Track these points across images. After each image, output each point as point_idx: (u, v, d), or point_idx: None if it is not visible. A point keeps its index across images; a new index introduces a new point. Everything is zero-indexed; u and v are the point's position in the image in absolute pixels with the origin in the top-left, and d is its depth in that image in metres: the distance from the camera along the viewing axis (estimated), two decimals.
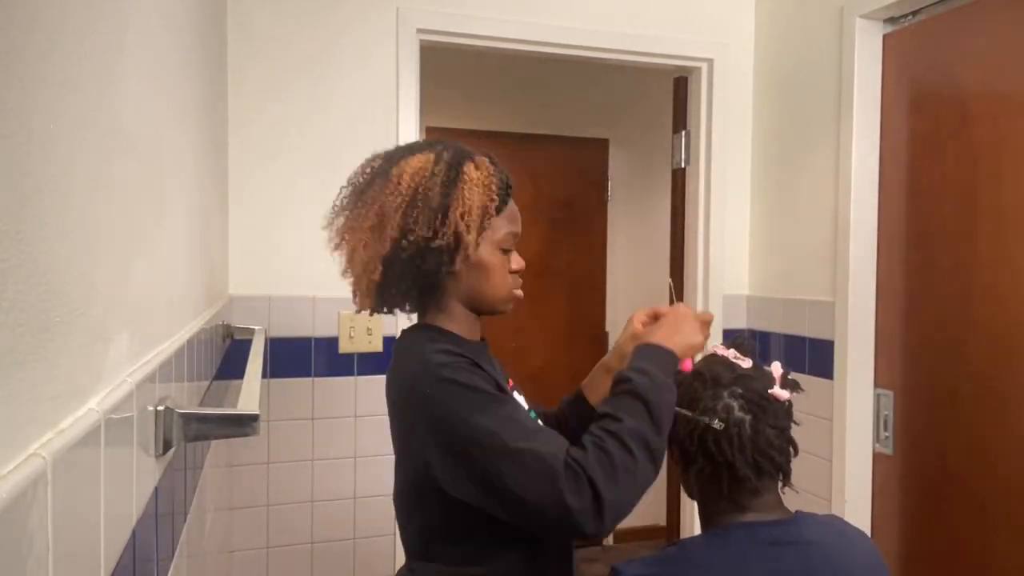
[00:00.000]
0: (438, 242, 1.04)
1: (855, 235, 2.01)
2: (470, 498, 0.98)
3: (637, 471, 0.93)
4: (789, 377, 1.14)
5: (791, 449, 1.11)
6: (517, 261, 1.14)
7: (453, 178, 1.06)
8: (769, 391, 1.09)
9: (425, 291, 1.11)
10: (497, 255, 1.11)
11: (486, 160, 1.12)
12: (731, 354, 1.14)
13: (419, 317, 1.17)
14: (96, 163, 0.58)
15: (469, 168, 1.08)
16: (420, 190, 1.05)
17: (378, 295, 1.11)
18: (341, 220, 1.13)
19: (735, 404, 1.07)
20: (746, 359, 1.13)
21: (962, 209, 1.77)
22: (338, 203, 1.15)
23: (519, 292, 1.16)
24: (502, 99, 3.77)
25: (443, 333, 1.11)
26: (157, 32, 0.87)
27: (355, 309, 1.17)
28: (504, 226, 1.10)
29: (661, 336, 1.09)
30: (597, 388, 1.29)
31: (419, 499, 1.08)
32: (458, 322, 1.13)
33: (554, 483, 0.90)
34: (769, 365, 1.15)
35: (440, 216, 1.04)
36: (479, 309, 1.14)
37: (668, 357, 1.06)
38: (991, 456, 1.69)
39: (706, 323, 1.17)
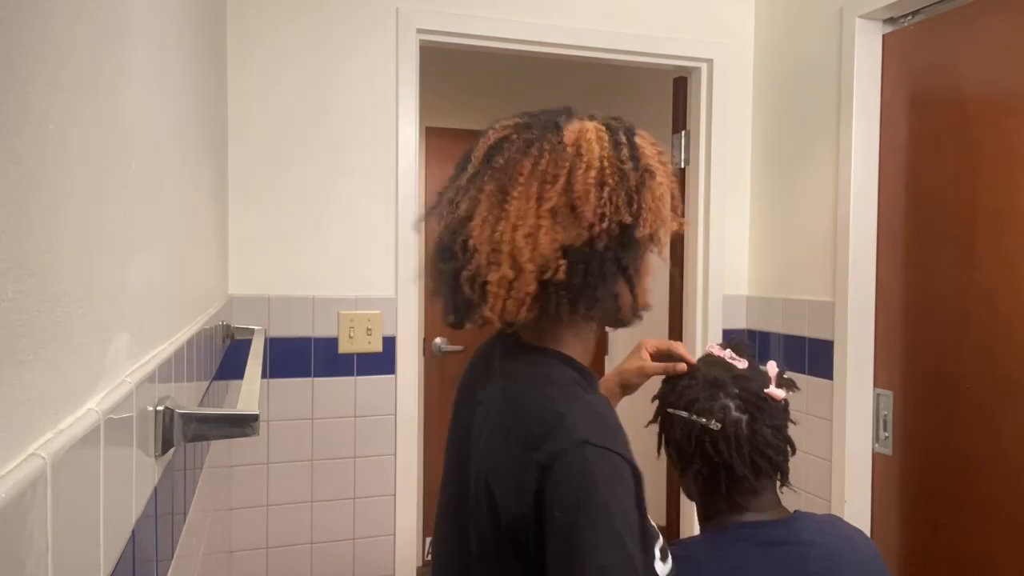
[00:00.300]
0: (640, 231, 0.84)
1: (855, 235, 2.01)
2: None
3: None
4: (785, 376, 1.14)
5: (789, 448, 1.12)
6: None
7: (636, 152, 0.87)
8: (765, 391, 1.09)
9: (601, 297, 0.86)
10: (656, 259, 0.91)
11: (648, 133, 0.93)
12: (727, 354, 1.14)
13: (532, 335, 0.91)
14: (95, 163, 0.58)
15: (643, 142, 0.90)
16: (607, 163, 0.84)
17: (543, 300, 0.84)
18: (482, 202, 0.85)
19: (732, 404, 1.08)
20: (742, 360, 1.13)
21: (962, 209, 1.77)
22: (461, 181, 0.89)
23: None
24: (502, 99, 3.76)
25: (579, 370, 0.91)
26: (157, 32, 0.87)
27: (481, 323, 0.87)
28: (679, 218, 0.92)
29: None
30: None
31: (498, 552, 0.84)
32: (584, 344, 0.93)
33: None
34: (765, 365, 1.15)
35: (637, 198, 0.84)
36: (616, 322, 0.93)
37: None
38: (991, 456, 1.69)
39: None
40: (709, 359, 1.15)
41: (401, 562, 2.19)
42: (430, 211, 0.94)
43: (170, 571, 0.89)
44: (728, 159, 2.45)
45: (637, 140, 0.89)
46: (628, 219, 0.83)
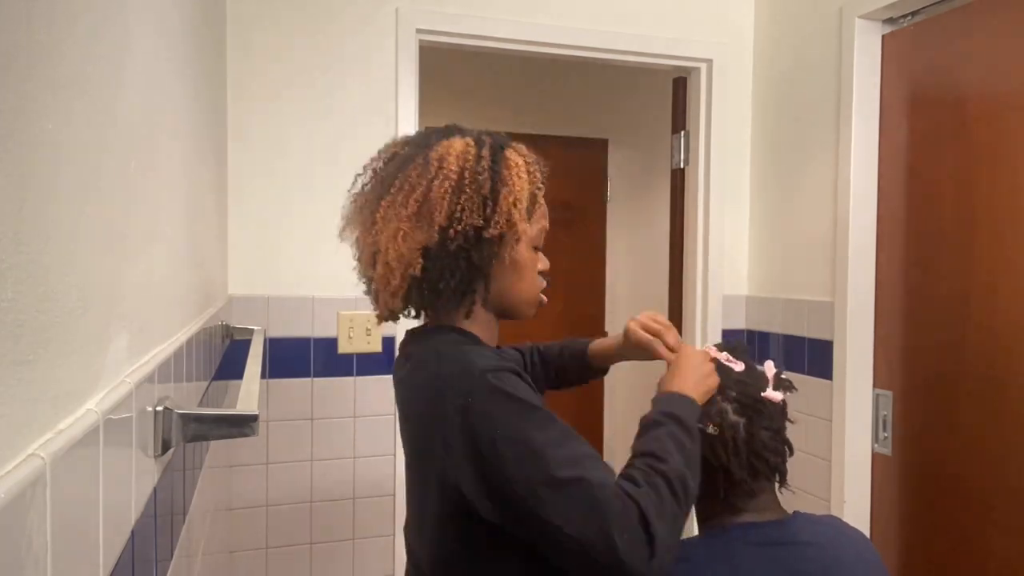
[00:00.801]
0: (490, 231, 0.95)
1: (854, 235, 2.01)
2: (505, 525, 0.87)
3: (679, 514, 0.87)
4: (782, 377, 1.14)
5: (786, 450, 1.12)
6: (544, 261, 1.06)
7: (499, 163, 0.98)
8: (763, 394, 1.09)
9: (456, 290, 0.99)
10: (530, 252, 1.03)
11: (523, 147, 1.05)
12: (724, 357, 1.13)
13: (434, 320, 1.05)
14: (95, 163, 0.58)
15: (512, 154, 1.01)
16: (467, 174, 0.96)
17: (409, 294, 0.99)
18: (364, 211, 1.01)
19: (729, 408, 1.08)
20: (739, 362, 1.12)
21: (961, 209, 1.77)
22: (358, 192, 1.04)
23: (544, 296, 1.08)
24: (501, 99, 3.77)
25: (471, 338, 1.01)
26: (156, 32, 0.87)
27: (374, 313, 1.04)
28: (539, 221, 1.03)
29: (679, 384, 1.04)
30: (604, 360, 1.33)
31: (441, 526, 0.94)
32: (480, 326, 1.03)
33: (603, 519, 0.80)
34: (762, 365, 1.15)
35: (491, 203, 0.95)
36: (505, 312, 1.05)
37: (693, 406, 1.01)
38: (990, 456, 1.69)
39: (714, 360, 1.14)
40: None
41: (401, 562, 2.19)
42: (346, 220, 1.09)
43: (169, 571, 0.89)
44: (728, 159, 2.45)
45: (506, 153, 1.00)
46: (479, 222, 0.95)
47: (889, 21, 1.99)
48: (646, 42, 2.36)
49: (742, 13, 2.47)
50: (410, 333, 1.09)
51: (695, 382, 1.05)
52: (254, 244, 2.06)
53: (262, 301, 2.06)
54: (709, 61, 2.43)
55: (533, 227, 1.02)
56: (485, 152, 0.98)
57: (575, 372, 1.38)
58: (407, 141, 1.05)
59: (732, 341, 1.22)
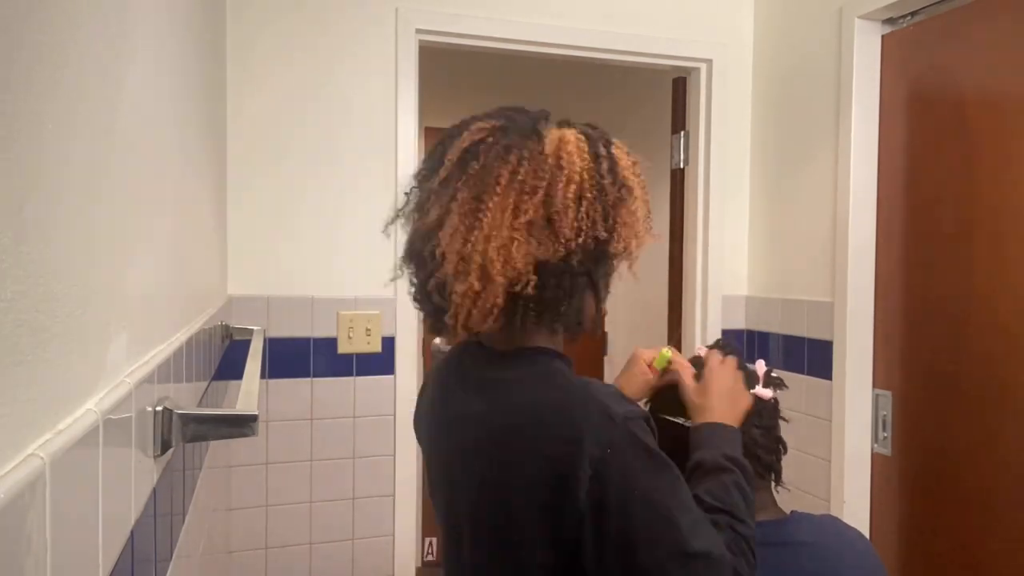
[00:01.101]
0: (614, 245, 0.85)
1: (854, 235, 2.01)
2: None
3: None
4: (773, 374, 1.13)
5: (780, 448, 1.11)
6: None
7: (615, 166, 0.86)
8: (752, 391, 1.08)
9: (569, 310, 0.86)
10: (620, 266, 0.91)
11: (621, 142, 0.91)
12: None
13: (511, 339, 0.89)
14: (94, 163, 0.58)
15: (620, 152, 0.88)
16: (588, 176, 0.82)
17: (511, 312, 0.83)
18: (453, 207, 0.83)
19: None
20: None
21: (961, 209, 1.77)
22: (438, 181, 0.85)
23: None
24: (501, 100, 3.75)
25: (569, 364, 0.88)
26: (156, 33, 0.87)
27: (425, 322, 0.90)
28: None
29: (720, 411, 1.00)
30: None
31: None
32: (557, 347, 0.92)
33: None
34: (754, 363, 1.14)
35: (613, 213, 0.84)
36: (577, 332, 0.92)
37: (738, 437, 0.98)
38: (989, 456, 1.69)
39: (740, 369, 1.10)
40: (696, 362, 1.14)
41: (400, 563, 2.19)
42: (399, 213, 0.94)
43: (169, 571, 0.89)
44: (727, 159, 2.45)
45: (615, 152, 0.87)
46: (604, 235, 0.83)
47: (889, 21, 1.99)
48: (646, 42, 2.36)
49: (742, 13, 2.47)
50: (472, 355, 0.94)
51: (732, 404, 1.02)
52: (253, 244, 2.06)
53: (262, 301, 2.06)
54: (709, 61, 2.43)
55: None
56: (601, 150, 0.85)
57: None
58: (495, 125, 0.86)
59: (721, 340, 1.20)
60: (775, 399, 1.12)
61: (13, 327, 0.40)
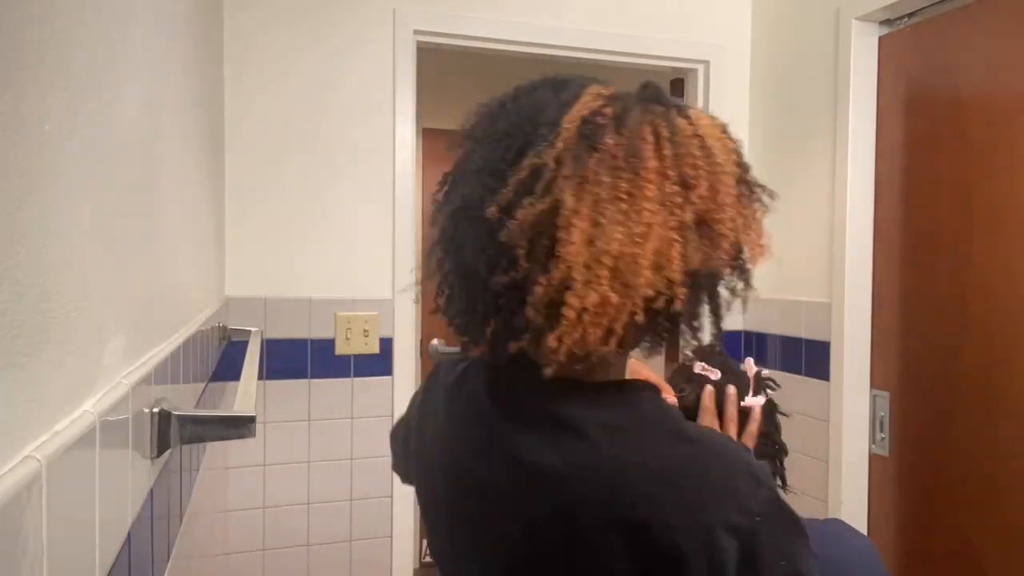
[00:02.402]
0: (743, 256, 0.70)
1: (851, 237, 2.01)
2: None
3: None
4: (763, 376, 1.10)
5: (780, 452, 1.09)
6: None
7: (743, 159, 0.71)
8: (742, 403, 1.06)
9: (677, 332, 0.72)
10: None
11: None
12: (699, 367, 1.10)
13: (588, 367, 0.64)
14: (92, 164, 0.58)
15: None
16: (742, 170, 0.69)
17: (637, 331, 0.66)
18: (581, 202, 0.61)
19: None
20: (714, 371, 1.08)
21: (958, 211, 1.78)
22: (569, 163, 0.62)
23: None
24: None
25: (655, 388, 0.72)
26: (155, 33, 0.87)
27: (476, 349, 0.70)
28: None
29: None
30: None
31: None
32: (622, 370, 0.75)
33: None
34: (743, 362, 1.11)
35: (750, 215, 0.70)
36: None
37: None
38: (987, 457, 1.70)
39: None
40: (687, 377, 1.12)
41: (398, 564, 2.19)
42: (441, 198, 0.72)
43: (166, 573, 0.89)
44: None
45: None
46: (745, 239, 0.69)
47: (886, 23, 2.00)
48: (644, 43, 2.36)
49: (739, 15, 2.48)
50: (513, 377, 0.70)
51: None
52: (251, 245, 2.06)
53: (259, 302, 2.06)
54: (706, 62, 2.43)
55: None
56: (731, 140, 0.70)
57: None
58: (611, 93, 0.70)
59: (703, 347, 1.15)
60: (769, 401, 1.10)
61: (10, 328, 0.40)
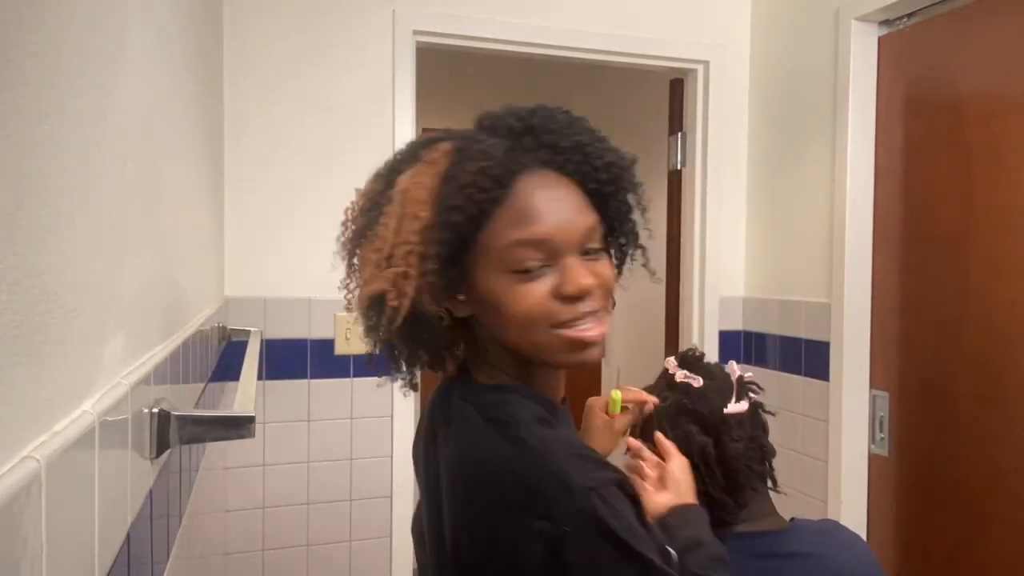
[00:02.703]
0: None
1: (851, 236, 2.01)
2: None
3: None
4: (746, 380, 1.09)
5: (768, 453, 1.09)
6: (569, 283, 0.73)
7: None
8: (725, 411, 1.05)
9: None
10: (504, 281, 0.74)
11: (446, 147, 0.81)
12: (681, 375, 1.10)
13: (485, 374, 0.83)
14: (91, 164, 0.58)
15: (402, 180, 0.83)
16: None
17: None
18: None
19: (694, 430, 1.04)
20: (697, 377, 1.08)
21: (957, 211, 1.78)
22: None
23: (584, 330, 0.75)
24: (498, 100, 3.76)
25: (546, 406, 0.78)
26: (154, 31, 0.86)
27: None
28: (504, 235, 0.74)
29: (678, 495, 0.95)
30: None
31: None
32: (543, 380, 0.81)
33: None
34: (727, 364, 1.11)
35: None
36: (525, 360, 0.79)
37: (699, 512, 0.94)
38: (987, 457, 1.70)
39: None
40: (670, 384, 1.12)
41: (398, 564, 2.19)
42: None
43: (165, 573, 0.89)
44: (724, 160, 2.45)
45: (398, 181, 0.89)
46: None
47: (885, 23, 2.00)
48: (643, 44, 2.36)
49: (739, 15, 2.48)
50: (452, 388, 0.90)
51: (687, 489, 0.98)
52: (250, 245, 2.06)
53: (259, 302, 2.06)
54: (706, 63, 2.43)
55: (492, 247, 0.77)
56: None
57: None
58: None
59: (684, 353, 1.16)
60: (754, 403, 1.09)
61: (9, 328, 0.40)
